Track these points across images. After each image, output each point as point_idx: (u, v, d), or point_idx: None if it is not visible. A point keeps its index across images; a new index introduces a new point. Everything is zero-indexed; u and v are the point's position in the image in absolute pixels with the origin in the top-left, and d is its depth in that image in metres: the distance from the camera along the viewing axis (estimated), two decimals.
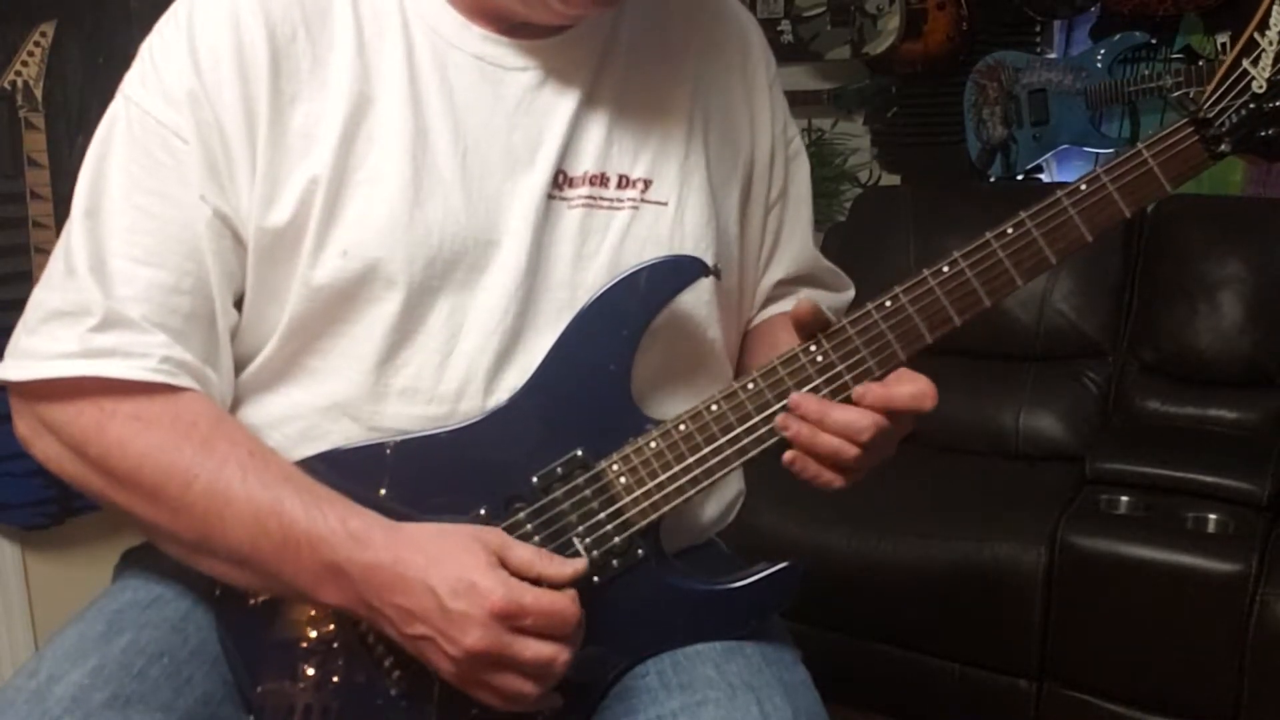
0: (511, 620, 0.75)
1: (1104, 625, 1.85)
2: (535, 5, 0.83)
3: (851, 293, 1.13)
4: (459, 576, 0.75)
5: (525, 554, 0.78)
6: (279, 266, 0.84)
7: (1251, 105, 0.79)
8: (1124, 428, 2.28)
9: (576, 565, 0.80)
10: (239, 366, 0.88)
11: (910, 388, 0.82)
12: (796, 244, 1.06)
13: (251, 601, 0.85)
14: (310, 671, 0.84)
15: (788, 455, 0.83)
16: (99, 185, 0.83)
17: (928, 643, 2.01)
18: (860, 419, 0.81)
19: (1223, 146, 0.80)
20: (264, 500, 0.78)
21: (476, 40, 0.87)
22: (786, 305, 1.06)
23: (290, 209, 0.82)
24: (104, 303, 0.80)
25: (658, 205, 0.90)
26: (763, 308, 1.06)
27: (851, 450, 0.81)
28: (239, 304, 0.87)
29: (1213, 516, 1.89)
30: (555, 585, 0.78)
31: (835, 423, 0.81)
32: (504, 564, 0.77)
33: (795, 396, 0.82)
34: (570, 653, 0.77)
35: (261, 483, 0.79)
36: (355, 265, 0.82)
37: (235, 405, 0.88)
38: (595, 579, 0.83)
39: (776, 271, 1.05)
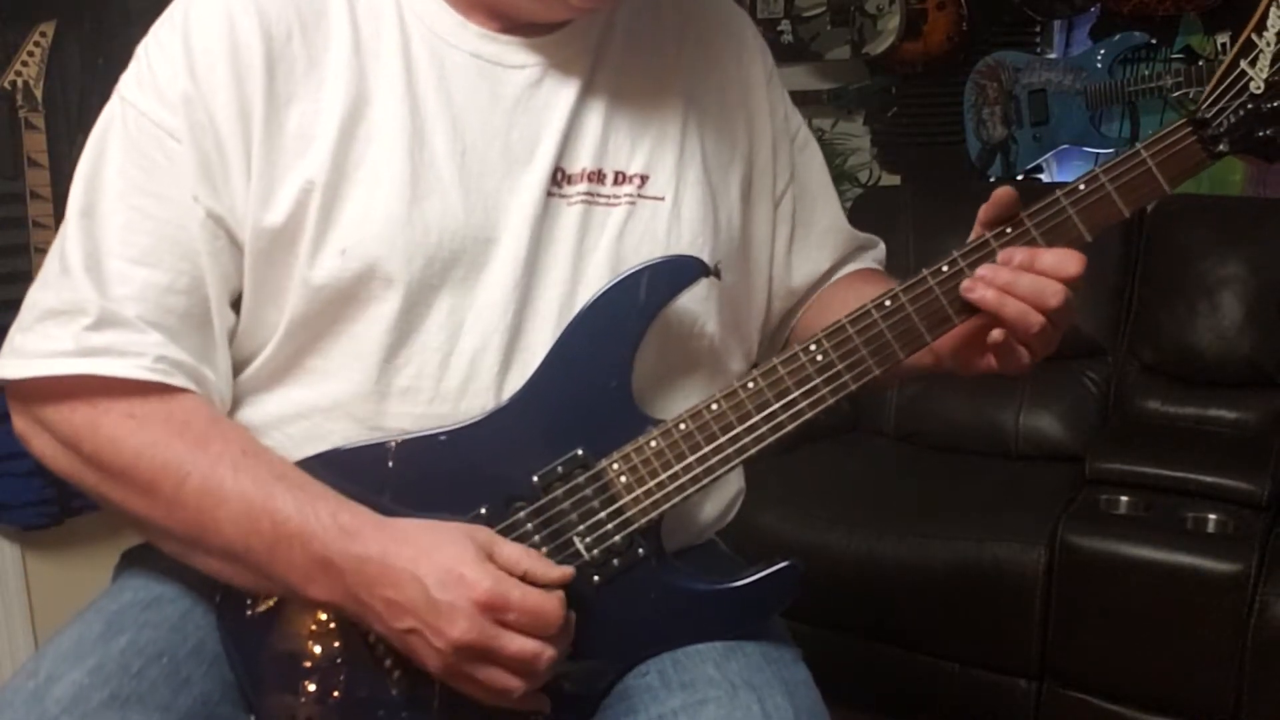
0: (496, 613, 0.75)
1: (1104, 625, 1.85)
2: (548, 1, 0.84)
3: (882, 245, 1.15)
4: (447, 568, 0.75)
5: (513, 551, 0.79)
6: (276, 266, 0.84)
7: (1249, 106, 0.79)
8: (1124, 428, 2.28)
9: (564, 571, 0.80)
10: (239, 367, 0.88)
11: (1054, 253, 0.80)
12: (834, 229, 1.07)
13: (252, 603, 0.85)
14: (311, 672, 0.84)
15: (996, 333, 0.81)
16: (95, 185, 0.83)
17: (928, 643, 2.01)
18: (1048, 285, 0.79)
19: (1221, 146, 0.80)
20: (256, 498, 0.78)
21: (474, 38, 0.87)
22: (848, 269, 1.09)
23: (286, 209, 0.82)
24: (99, 302, 0.80)
25: (654, 200, 0.90)
26: (816, 287, 1.07)
27: (1039, 318, 0.79)
28: (236, 305, 0.87)
29: (1212, 516, 1.89)
30: (542, 586, 0.78)
31: (1023, 289, 0.79)
32: (491, 560, 0.77)
33: (984, 269, 0.81)
34: (555, 653, 0.77)
35: (254, 480, 0.79)
36: (354, 265, 0.82)
37: (235, 405, 0.88)
38: (595, 578, 0.83)
39: (822, 260, 1.06)
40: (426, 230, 0.83)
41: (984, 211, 0.83)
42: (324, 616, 0.84)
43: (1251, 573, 1.74)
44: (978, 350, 0.85)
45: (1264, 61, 0.78)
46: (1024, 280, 0.79)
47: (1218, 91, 0.80)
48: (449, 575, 0.75)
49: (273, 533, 0.78)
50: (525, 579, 0.77)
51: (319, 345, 0.85)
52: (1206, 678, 1.78)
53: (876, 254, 1.14)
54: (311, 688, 0.84)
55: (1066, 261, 0.80)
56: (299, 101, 0.83)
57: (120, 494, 0.81)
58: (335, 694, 0.84)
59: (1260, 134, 0.79)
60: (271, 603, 0.85)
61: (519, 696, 0.78)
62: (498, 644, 0.75)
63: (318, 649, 0.84)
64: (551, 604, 0.76)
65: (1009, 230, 0.82)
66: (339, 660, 0.84)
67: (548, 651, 0.76)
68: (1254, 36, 0.79)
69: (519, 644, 0.76)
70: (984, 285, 0.80)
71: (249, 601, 0.85)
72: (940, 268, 0.82)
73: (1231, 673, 1.75)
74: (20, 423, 0.84)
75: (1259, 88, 0.78)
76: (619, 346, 0.84)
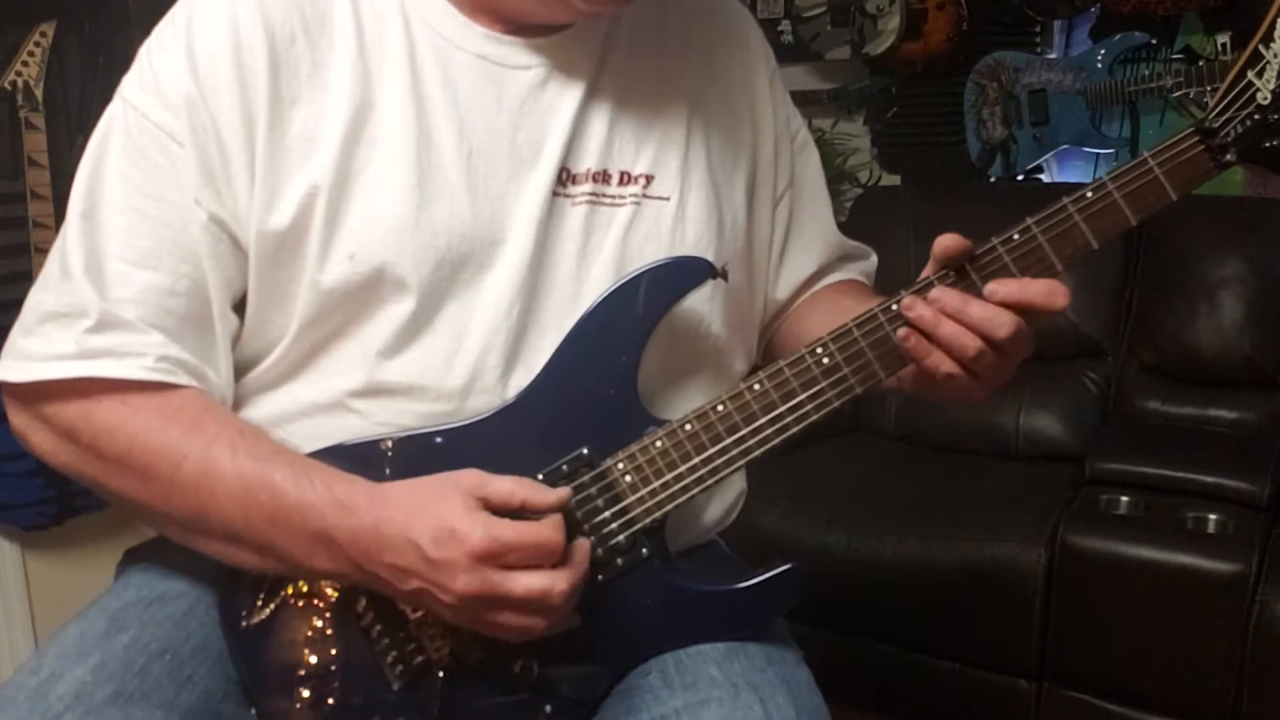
0: (495, 559, 0.75)
1: (1104, 625, 1.85)
2: (553, 4, 0.84)
3: (874, 257, 1.14)
4: (437, 525, 0.76)
5: (504, 485, 0.78)
6: (282, 270, 0.84)
7: (1256, 116, 0.79)
8: (1124, 428, 2.28)
9: (560, 493, 0.80)
10: (244, 369, 0.88)
11: (1043, 284, 0.79)
12: (822, 234, 1.06)
13: (254, 600, 0.85)
14: (313, 669, 0.84)
15: (901, 331, 0.81)
16: (95, 187, 0.83)
17: (928, 643, 2.01)
18: (998, 315, 0.78)
19: (1228, 156, 0.80)
20: (254, 473, 0.79)
21: (479, 40, 0.87)
22: (831, 280, 1.07)
23: (290, 213, 0.82)
24: (100, 304, 0.80)
25: (659, 200, 0.90)
26: (799, 293, 1.06)
27: (976, 344, 0.79)
28: (240, 308, 0.87)
29: (1213, 516, 1.89)
30: (539, 512, 0.78)
31: (973, 317, 0.79)
32: (486, 501, 0.77)
33: (936, 290, 0.80)
34: (567, 585, 0.77)
35: (251, 456, 0.79)
36: (363, 269, 0.82)
37: (238, 406, 0.88)
38: (599, 578, 0.83)
39: (807, 264, 1.05)
40: (435, 233, 0.83)
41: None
42: (324, 611, 0.84)
43: (1251, 573, 1.74)
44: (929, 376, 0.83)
45: (1271, 73, 0.78)
46: (973, 308, 0.79)
47: (1225, 101, 0.80)
48: (440, 532, 0.75)
49: (272, 506, 0.78)
50: (523, 508, 0.78)
51: (328, 345, 0.86)
52: (1206, 678, 1.78)
53: (864, 266, 1.12)
54: (313, 684, 0.84)
55: (996, 322, 0.79)
56: (303, 104, 0.83)
57: (120, 481, 0.81)
58: (337, 690, 0.84)
59: (1267, 144, 0.80)
60: (275, 602, 0.85)
61: (545, 630, 0.79)
62: (504, 589, 0.75)
63: (320, 646, 0.84)
64: (549, 532, 0.77)
65: (1015, 237, 0.82)
66: (341, 657, 0.84)
67: (559, 584, 0.76)
68: (1261, 48, 0.79)
69: (525, 583, 0.76)
70: (921, 305, 0.80)
71: (251, 599, 0.85)
72: (948, 273, 0.82)
73: (1231, 673, 1.75)
74: (18, 420, 0.85)
75: (1266, 99, 0.79)
76: (625, 347, 0.84)
